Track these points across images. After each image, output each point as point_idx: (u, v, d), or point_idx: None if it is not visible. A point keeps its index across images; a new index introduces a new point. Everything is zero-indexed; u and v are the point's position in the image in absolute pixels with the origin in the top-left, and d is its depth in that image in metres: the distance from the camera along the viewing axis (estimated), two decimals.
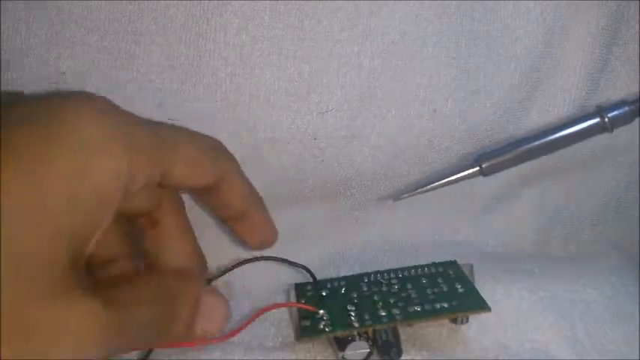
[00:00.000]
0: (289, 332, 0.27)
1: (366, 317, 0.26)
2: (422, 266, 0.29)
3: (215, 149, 0.24)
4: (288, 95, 0.29)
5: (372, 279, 0.29)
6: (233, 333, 0.25)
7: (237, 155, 0.29)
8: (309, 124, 0.30)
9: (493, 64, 0.31)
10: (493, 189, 0.35)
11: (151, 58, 0.28)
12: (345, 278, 0.29)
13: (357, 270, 0.30)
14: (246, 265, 0.30)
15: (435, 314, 0.26)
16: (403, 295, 0.27)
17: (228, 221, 0.26)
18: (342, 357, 0.25)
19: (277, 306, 0.28)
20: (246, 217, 0.25)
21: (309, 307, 0.27)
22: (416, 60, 0.30)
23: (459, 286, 0.27)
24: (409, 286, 0.28)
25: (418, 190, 0.31)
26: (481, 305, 0.26)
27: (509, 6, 0.30)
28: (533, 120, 0.33)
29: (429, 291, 0.27)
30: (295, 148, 0.30)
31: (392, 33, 0.29)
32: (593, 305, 0.29)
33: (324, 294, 0.28)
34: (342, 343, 0.25)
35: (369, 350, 0.25)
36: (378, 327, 0.25)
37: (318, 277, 0.30)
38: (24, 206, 0.16)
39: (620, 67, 0.33)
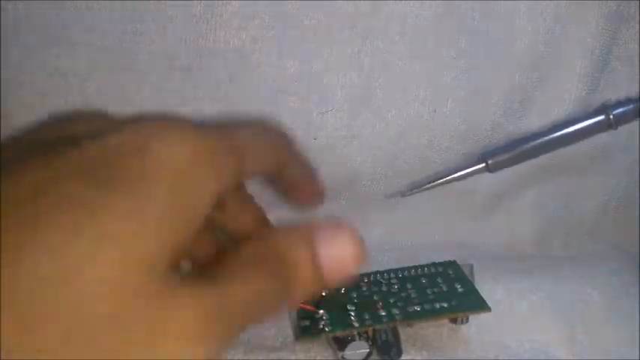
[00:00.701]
0: (289, 332, 0.27)
1: (366, 317, 0.26)
2: (422, 266, 0.29)
3: (274, 134, 0.23)
4: (288, 95, 0.29)
5: (371, 279, 0.29)
6: None
7: None
8: (309, 124, 0.30)
9: (493, 64, 0.31)
10: (493, 189, 0.35)
11: (151, 58, 0.28)
12: None
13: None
14: None
15: (434, 314, 0.26)
16: (403, 294, 0.27)
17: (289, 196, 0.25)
18: (342, 357, 0.25)
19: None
20: (303, 187, 0.24)
21: (308, 307, 0.27)
22: (416, 60, 0.30)
23: (459, 286, 0.27)
24: (409, 286, 0.28)
25: (425, 187, 0.31)
26: (481, 305, 0.26)
27: (509, 6, 0.30)
28: (533, 120, 0.33)
29: (428, 291, 0.27)
30: None
31: (392, 33, 0.29)
32: (593, 305, 0.29)
33: (323, 294, 0.28)
34: (341, 343, 0.25)
35: (368, 350, 0.25)
36: (378, 327, 0.25)
37: None
38: (121, 230, 0.16)
39: (620, 67, 0.33)
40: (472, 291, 0.27)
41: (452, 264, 0.30)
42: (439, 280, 0.28)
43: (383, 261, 0.33)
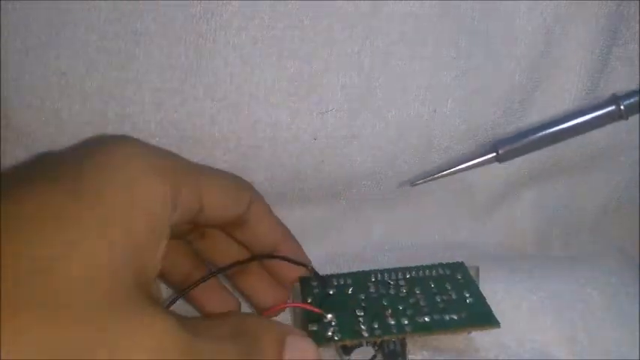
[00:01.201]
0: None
1: (376, 326, 0.25)
2: (429, 267, 0.29)
3: (239, 180, 0.27)
4: (288, 95, 0.29)
5: (379, 278, 0.28)
6: None
7: (238, 155, 0.30)
8: (309, 124, 0.30)
9: (493, 64, 0.31)
10: (493, 189, 0.35)
11: (151, 58, 0.28)
12: (351, 275, 0.29)
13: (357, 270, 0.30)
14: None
15: (444, 328, 0.25)
16: (411, 301, 0.27)
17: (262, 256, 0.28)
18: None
19: (283, 306, 0.28)
20: (277, 248, 0.27)
21: (315, 310, 0.26)
22: (416, 60, 0.30)
23: (467, 295, 0.27)
24: (417, 290, 0.27)
25: (435, 176, 0.31)
26: (490, 321, 0.26)
27: (509, 6, 0.30)
28: (533, 120, 0.33)
29: (437, 298, 0.27)
30: (295, 148, 0.30)
31: (392, 33, 0.29)
32: (593, 305, 0.29)
33: (330, 292, 0.27)
34: (348, 349, 0.25)
35: (373, 354, 0.25)
36: (386, 338, 0.25)
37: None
38: (88, 237, 0.18)
39: (620, 67, 0.33)
40: (481, 303, 0.26)
41: (459, 266, 0.29)
42: (448, 285, 0.28)
43: (383, 261, 0.33)
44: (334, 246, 0.34)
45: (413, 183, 0.31)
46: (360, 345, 0.25)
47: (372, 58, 0.30)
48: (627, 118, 0.30)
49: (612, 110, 0.30)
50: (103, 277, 0.17)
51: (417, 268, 0.29)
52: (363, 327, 0.25)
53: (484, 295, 0.27)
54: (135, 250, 0.19)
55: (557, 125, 0.30)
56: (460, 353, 0.27)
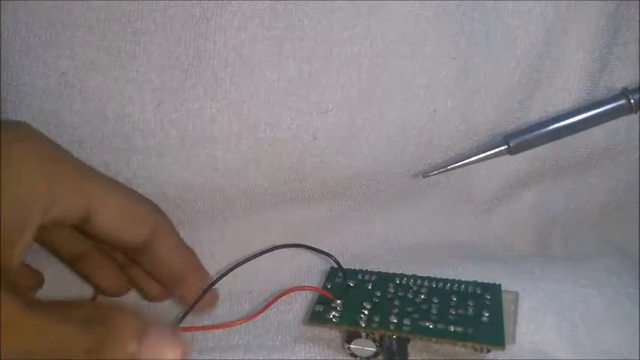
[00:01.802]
0: (289, 332, 0.27)
1: (375, 319, 0.25)
2: (462, 282, 0.28)
3: (148, 205, 0.25)
4: (288, 95, 0.29)
5: (403, 282, 0.28)
6: (256, 314, 0.27)
7: (238, 155, 0.30)
8: (309, 124, 0.30)
9: (493, 64, 0.31)
10: (493, 189, 0.35)
11: (151, 58, 0.28)
12: (377, 274, 0.29)
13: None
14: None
15: (442, 336, 0.25)
16: (424, 307, 0.26)
17: (163, 282, 0.26)
18: (348, 348, 0.25)
19: (297, 289, 0.28)
20: (183, 281, 0.26)
21: (327, 294, 0.27)
22: (416, 60, 0.30)
23: (486, 314, 0.26)
24: (435, 300, 0.27)
25: (447, 167, 0.31)
26: (496, 340, 0.24)
27: (509, 6, 0.30)
28: (533, 120, 0.33)
29: (452, 311, 0.26)
30: (295, 148, 0.30)
31: (392, 33, 0.29)
32: (593, 305, 0.29)
33: (351, 284, 0.28)
34: (350, 336, 0.25)
35: (375, 350, 0.25)
36: (382, 332, 0.25)
37: (317, 277, 0.30)
38: None
39: (620, 67, 0.33)
40: (496, 324, 0.25)
41: (495, 287, 0.28)
42: (470, 302, 0.27)
43: (383, 261, 0.33)
44: (334, 246, 0.34)
45: (425, 174, 0.31)
46: (359, 336, 0.25)
47: (372, 58, 0.30)
48: (637, 112, 0.30)
49: (622, 104, 0.30)
50: None
51: (447, 281, 0.28)
52: (363, 317, 0.25)
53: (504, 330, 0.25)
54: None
55: (568, 118, 0.30)
56: (459, 354, 0.27)
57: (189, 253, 0.27)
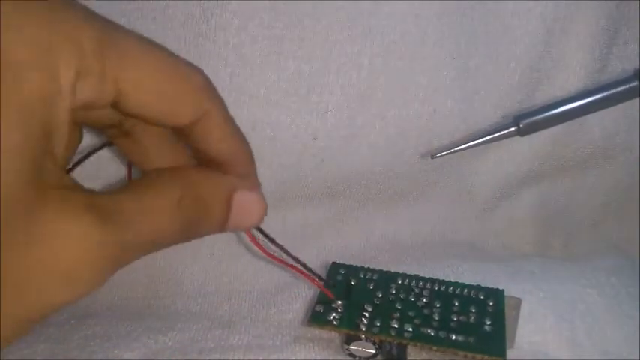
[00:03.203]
0: (289, 332, 0.27)
1: (377, 324, 0.25)
2: (465, 285, 0.28)
3: (195, 79, 0.19)
4: (288, 95, 0.29)
5: (405, 282, 0.28)
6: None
7: None
8: (309, 124, 0.30)
9: (493, 64, 0.31)
10: (493, 189, 0.35)
11: None
12: (379, 272, 0.28)
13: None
14: None
15: (443, 345, 0.24)
16: (425, 311, 0.26)
17: (206, 164, 0.22)
18: (347, 349, 0.25)
19: (303, 274, 0.26)
20: (227, 168, 0.21)
21: (329, 293, 0.26)
22: (416, 60, 0.30)
23: (488, 322, 0.25)
24: (437, 303, 0.26)
25: (456, 148, 0.30)
26: (496, 352, 0.24)
27: (509, 6, 0.30)
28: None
29: (454, 317, 0.26)
30: (295, 148, 0.30)
31: (392, 33, 0.29)
32: (593, 305, 0.29)
33: (352, 282, 0.27)
34: (350, 338, 0.25)
35: (374, 352, 0.25)
36: (383, 338, 0.25)
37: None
38: None
39: (620, 67, 0.33)
40: (498, 334, 0.25)
41: (498, 292, 0.27)
42: (472, 308, 0.26)
43: (383, 261, 0.33)
44: (334, 246, 0.34)
45: (434, 155, 0.30)
46: (359, 338, 0.25)
47: (372, 58, 0.30)
48: None
49: (634, 86, 0.29)
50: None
51: (450, 284, 0.28)
52: (364, 321, 0.25)
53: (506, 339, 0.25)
54: (21, 140, 0.14)
55: (578, 100, 0.30)
56: (459, 354, 0.27)
57: (240, 143, 0.22)
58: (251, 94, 0.29)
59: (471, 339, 0.25)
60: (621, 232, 0.37)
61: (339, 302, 0.26)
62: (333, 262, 0.29)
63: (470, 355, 0.24)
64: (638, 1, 0.31)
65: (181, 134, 0.20)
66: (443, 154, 0.30)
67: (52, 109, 0.15)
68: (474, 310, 0.26)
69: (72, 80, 0.15)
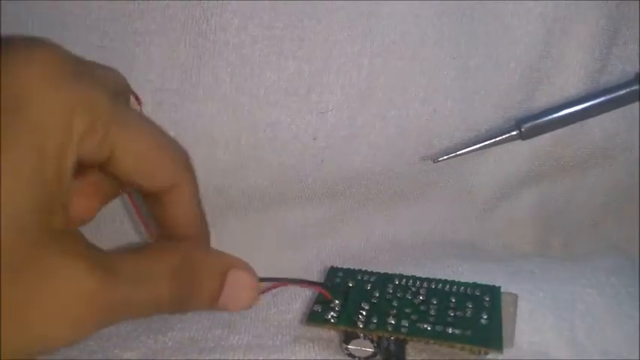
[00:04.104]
0: (289, 332, 0.27)
1: (374, 321, 0.25)
2: (461, 283, 0.28)
3: (177, 154, 0.22)
4: (288, 95, 0.29)
5: (402, 282, 0.28)
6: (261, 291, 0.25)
7: (237, 155, 0.30)
8: (309, 124, 0.30)
9: (493, 64, 0.31)
10: (493, 189, 0.35)
11: (150, 58, 0.28)
12: (376, 274, 0.28)
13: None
14: None
15: (440, 339, 0.24)
16: (422, 308, 0.26)
17: (166, 237, 0.23)
18: (346, 348, 0.25)
19: (297, 282, 0.27)
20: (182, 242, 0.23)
21: (326, 294, 0.26)
22: (416, 60, 0.30)
23: (485, 317, 0.26)
24: (434, 300, 0.26)
25: (458, 152, 0.30)
26: (493, 343, 0.24)
27: (509, 6, 0.30)
28: None
29: (450, 312, 0.26)
30: (295, 148, 0.30)
31: (392, 33, 0.29)
32: (593, 305, 0.29)
33: (350, 284, 0.28)
34: (348, 336, 0.25)
35: (373, 350, 0.25)
36: (380, 334, 0.25)
37: (317, 277, 0.30)
38: None
39: (620, 67, 0.33)
40: (494, 327, 0.25)
41: (495, 289, 0.28)
42: (469, 304, 0.26)
43: (383, 261, 0.33)
44: (334, 246, 0.34)
45: (435, 159, 0.30)
46: (357, 336, 0.25)
47: (372, 58, 0.30)
48: None
49: (635, 90, 0.29)
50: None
51: (446, 282, 0.28)
52: (361, 318, 0.25)
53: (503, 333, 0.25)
54: (38, 182, 0.16)
55: (580, 104, 0.30)
56: (459, 354, 0.27)
57: (201, 220, 0.24)
58: (251, 94, 0.29)
59: (468, 332, 0.25)
60: (621, 232, 0.37)
61: (337, 302, 0.26)
62: (332, 267, 0.29)
63: (467, 347, 0.24)
64: (638, 1, 0.31)
65: (151, 200, 0.22)
66: (445, 157, 0.30)
67: (64, 158, 0.17)
68: (470, 306, 0.26)
69: (81, 137, 0.18)
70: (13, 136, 0.16)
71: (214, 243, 0.32)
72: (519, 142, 0.31)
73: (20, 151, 0.16)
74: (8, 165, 0.15)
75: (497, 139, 0.30)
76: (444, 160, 0.30)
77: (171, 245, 0.21)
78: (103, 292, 0.17)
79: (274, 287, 0.25)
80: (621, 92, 0.29)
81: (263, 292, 0.25)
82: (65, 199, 0.17)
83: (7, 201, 0.15)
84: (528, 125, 0.30)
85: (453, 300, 0.27)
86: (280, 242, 0.33)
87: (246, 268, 0.22)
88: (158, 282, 0.18)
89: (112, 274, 0.17)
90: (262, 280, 0.23)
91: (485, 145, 0.30)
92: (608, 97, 0.30)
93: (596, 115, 0.30)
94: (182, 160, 0.22)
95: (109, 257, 0.18)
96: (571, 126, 0.32)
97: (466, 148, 0.30)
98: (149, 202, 0.23)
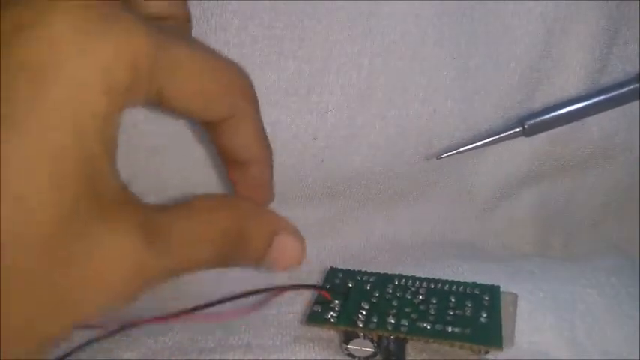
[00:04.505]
0: (289, 332, 0.27)
1: (373, 320, 0.25)
2: (461, 283, 0.28)
3: (234, 82, 0.20)
4: (288, 95, 0.29)
5: (401, 282, 0.28)
6: (247, 310, 0.26)
7: None
8: (309, 124, 0.30)
9: (493, 64, 0.31)
10: (493, 189, 0.35)
11: None
12: (376, 274, 0.29)
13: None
14: None
15: (440, 337, 0.24)
16: (422, 307, 0.26)
17: (225, 162, 0.23)
18: (346, 348, 0.25)
19: (293, 288, 0.27)
20: (245, 169, 0.22)
21: (326, 294, 0.27)
22: (416, 60, 0.30)
23: (485, 315, 0.26)
24: (434, 300, 0.26)
25: (461, 149, 0.30)
26: (493, 341, 0.24)
27: (509, 6, 0.30)
28: None
29: (450, 311, 0.26)
30: (295, 148, 0.30)
31: (392, 33, 0.29)
32: (593, 305, 0.29)
33: (350, 285, 0.28)
34: (348, 336, 0.25)
35: (373, 350, 0.25)
36: (380, 333, 0.25)
37: (317, 277, 0.30)
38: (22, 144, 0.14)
39: (620, 67, 0.33)
40: (494, 325, 0.25)
41: (494, 288, 0.28)
42: (468, 303, 0.26)
43: (383, 261, 0.33)
44: (334, 246, 0.34)
45: (439, 156, 0.30)
46: (357, 336, 0.25)
47: (372, 58, 0.30)
48: None
49: (635, 87, 0.29)
50: (36, 200, 0.14)
51: (446, 282, 0.28)
52: (361, 317, 0.25)
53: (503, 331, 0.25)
54: (81, 156, 0.15)
55: (583, 101, 0.30)
56: (459, 354, 0.27)
57: (263, 148, 0.23)
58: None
59: (468, 330, 0.25)
60: (621, 232, 0.37)
61: (337, 302, 0.26)
62: (331, 267, 0.29)
63: (467, 346, 0.24)
64: (638, 1, 0.31)
65: (209, 128, 0.21)
66: (448, 154, 0.30)
67: (109, 125, 0.16)
68: (470, 305, 0.26)
69: (125, 96, 0.16)
70: (45, 106, 0.15)
71: None
72: (519, 141, 0.31)
73: (56, 122, 0.15)
74: (44, 139, 0.14)
75: (501, 135, 0.30)
76: (447, 156, 0.30)
77: (218, 205, 0.20)
78: (153, 261, 0.16)
79: (274, 296, 0.26)
80: (624, 90, 0.29)
81: (265, 301, 0.26)
82: (113, 163, 0.16)
83: (50, 180, 0.14)
84: (532, 122, 0.30)
85: (453, 299, 0.27)
86: None
87: (294, 232, 0.21)
88: (205, 246, 0.18)
89: (163, 241, 0.17)
90: (260, 291, 0.24)
91: (489, 142, 0.30)
92: (612, 93, 0.29)
93: (601, 111, 0.30)
94: (240, 88, 0.20)
95: (160, 221, 0.17)
96: (571, 126, 0.32)
97: (469, 145, 0.30)
98: (207, 129, 0.22)
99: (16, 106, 0.14)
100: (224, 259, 0.19)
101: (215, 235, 0.19)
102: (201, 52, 0.19)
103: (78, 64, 0.15)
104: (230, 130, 0.21)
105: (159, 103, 0.18)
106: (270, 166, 0.23)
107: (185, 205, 0.19)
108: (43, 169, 0.14)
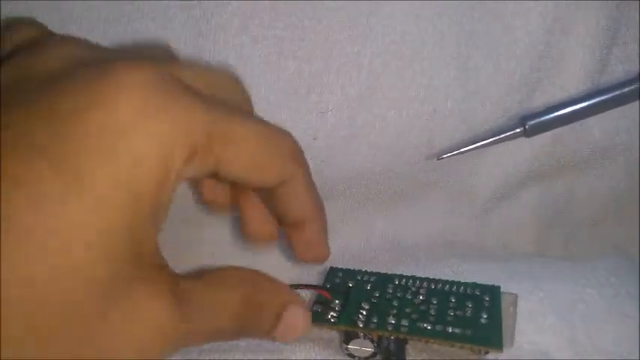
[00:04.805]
0: None
1: (374, 320, 0.25)
2: (461, 283, 0.28)
3: (284, 148, 0.21)
4: (288, 95, 0.29)
5: (402, 282, 0.28)
6: None
7: None
8: (309, 124, 0.30)
9: (493, 64, 0.31)
10: (493, 189, 0.35)
11: None
12: (376, 274, 0.29)
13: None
14: None
15: (440, 338, 0.24)
16: (422, 307, 0.26)
17: (281, 224, 0.24)
18: (346, 348, 0.25)
19: (293, 288, 0.26)
20: (300, 229, 0.24)
21: (325, 294, 0.27)
22: (416, 60, 0.30)
23: (485, 316, 0.26)
24: (434, 300, 0.26)
25: (462, 150, 0.30)
26: (494, 342, 0.24)
27: (509, 6, 0.30)
28: None
29: (450, 312, 0.26)
30: None
31: (392, 33, 0.29)
32: (593, 305, 0.29)
33: (350, 285, 0.28)
34: (348, 336, 0.25)
35: (373, 350, 0.25)
36: (380, 333, 0.25)
37: (317, 278, 0.30)
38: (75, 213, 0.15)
39: (620, 67, 0.33)
40: (494, 326, 0.25)
41: (494, 289, 0.28)
42: (469, 303, 0.26)
43: (383, 261, 0.33)
44: (334, 246, 0.33)
45: (439, 157, 0.30)
46: (357, 336, 0.25)
47: (372, 58, 0.30)
48: None
49: (638, 88, 0.29)
50: (85, 262, 0.15)
51: (446, 282, 0.28)
52: (361, 318, 0.25)
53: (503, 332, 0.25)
54: (132, 221, 0.16)
55: (585, 101, 0.30)
56: (459, 354, 0.27)
57: (315, 207, 0.24)
58: (251, 94, 0.29)
59: (468, 331, 0.25)
60: (621, 232, 0.37)
61: (337, 302, 0.26)
62: (331, 267, 0.29)
63: (467, 346, 0.24)
64: (638, 1, 0.31)
65: (265, 194, 0.23)
66: (448, 155, 0.30)
67: (162, 193, 0.17)
68: (470, 306, 0.26)
69: (181, 167, 0.17)
70: (106, 176, 0.16)
71: (213, 243, 0.32)
72: (520, 142, 0.31)
73: (114, 190, 0.16)
74: (103, 204, 0.15)
75: (502, 136, 0.30)
76: (448, 157, 0.30)
77: (237, 275, 0.21)
78: (177, 326, 0.17)
79: None
80: (626, 90, 0.29)
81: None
82: (158, 229, 0.18)
83: (101, 238, 0.15)
84: (533, 122, 0.30)
85: (453, 300, 0.27)
86: (280, 242, 0.33)
87: (301, 304, 0.22)
88: (227, 313, 0.19)
89: (187, 306, 0.18)
90: None
91: (489, 142, 0.30)
92: (613, 94, 0.30)
93: (602, 112, 0.30)
94: (291, 152, 0.21)
95: (186, 288, 0.18)
96: (571, 126, 0.32)
97: (470, 145, 0.30)
98: (263, 196, 0.23)
99: (84, 170, 0.15)
100: (240, 330, 0.20)
101: (236, 303, 0.20)
102: (254, 122, 0.20)
103: (138, 142, 0.16)
104: (284, 194, 0.22)
105: (216, 173, 0.19)
106: (324, 224, 0.24)
107: (210, 275, 0.20)
108: (99, 226, 0.16)
